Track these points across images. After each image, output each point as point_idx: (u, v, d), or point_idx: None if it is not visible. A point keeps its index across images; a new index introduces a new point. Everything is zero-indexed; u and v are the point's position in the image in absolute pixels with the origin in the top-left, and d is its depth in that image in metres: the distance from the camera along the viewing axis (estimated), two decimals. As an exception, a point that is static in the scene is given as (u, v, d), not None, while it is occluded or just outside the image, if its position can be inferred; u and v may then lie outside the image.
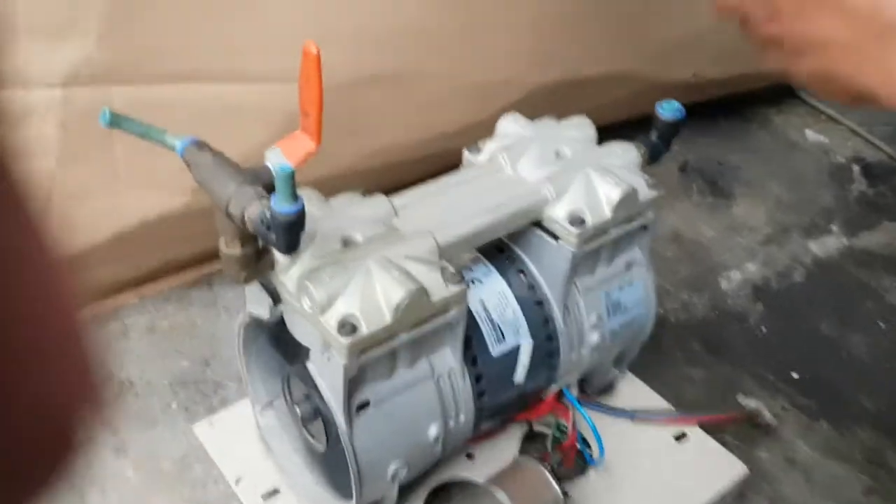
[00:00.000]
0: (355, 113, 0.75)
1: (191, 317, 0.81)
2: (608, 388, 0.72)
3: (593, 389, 0.70)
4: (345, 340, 0.46)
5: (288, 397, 0.59)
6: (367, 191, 0.56)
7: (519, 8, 0.80)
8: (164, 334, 0.79)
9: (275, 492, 0.63)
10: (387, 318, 0.48)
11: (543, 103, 0.74)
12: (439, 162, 0.69)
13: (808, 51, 0.41)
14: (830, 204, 1.08)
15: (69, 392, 0.17)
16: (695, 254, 0.97)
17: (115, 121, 0.46)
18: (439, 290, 0.50)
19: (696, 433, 0.70)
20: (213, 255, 0.81)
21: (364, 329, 0.47)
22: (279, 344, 0.57)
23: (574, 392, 0.67)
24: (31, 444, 0.16)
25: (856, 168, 1.15)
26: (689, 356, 0.83)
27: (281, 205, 0.40)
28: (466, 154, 0.62)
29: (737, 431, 0.75)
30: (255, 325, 0.58)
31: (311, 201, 0.53)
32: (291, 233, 0.42)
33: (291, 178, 0.40)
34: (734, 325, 0.88)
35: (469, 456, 0.65)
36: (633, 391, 0.73)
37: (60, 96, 0.63)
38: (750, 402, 0.77)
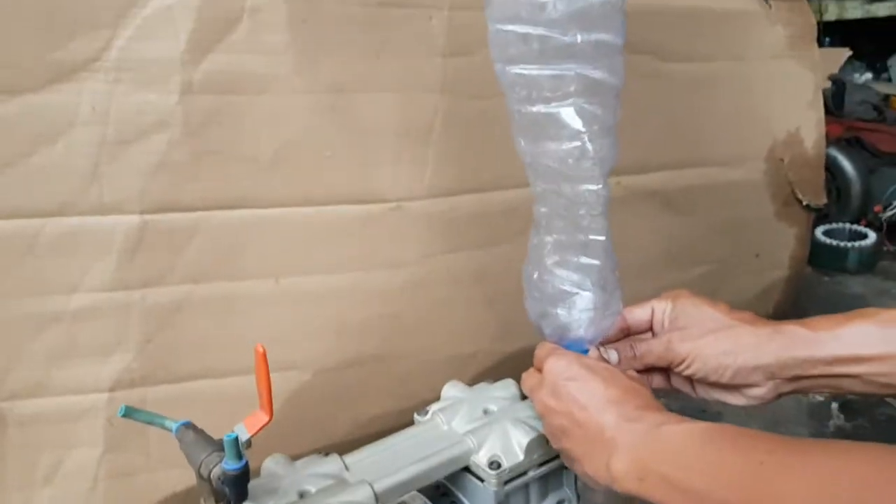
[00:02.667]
0: (344, 391, 0.93)
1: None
2: None
3: None
4: (292, 572, 0.60)
5: None
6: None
7: (475, 287, 1.00)
8: None
9: None
10: (324, 555, 0.61)
11: (510, 371, 0.90)
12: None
13: (566, 455, 0.65)
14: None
15: None
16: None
17: (128, 413, 0.65)
18: (370, 529, 0.63)
19: None
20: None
21: (307, 561, 0.60)
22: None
23: None
24: None
25: (834, 405, 1.24)
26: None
27: (228, 463, 0.57)
28: (416, 416, 0.78)
29: None
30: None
31: (279, 464, 0.68)
32: (238, 485, 0.58)
33: (236, 443, 0.56)
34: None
35: None
36: None
37: (107, 398, 0.83)
38: None
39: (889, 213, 1.82)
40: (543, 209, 0.69)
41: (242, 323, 0.86)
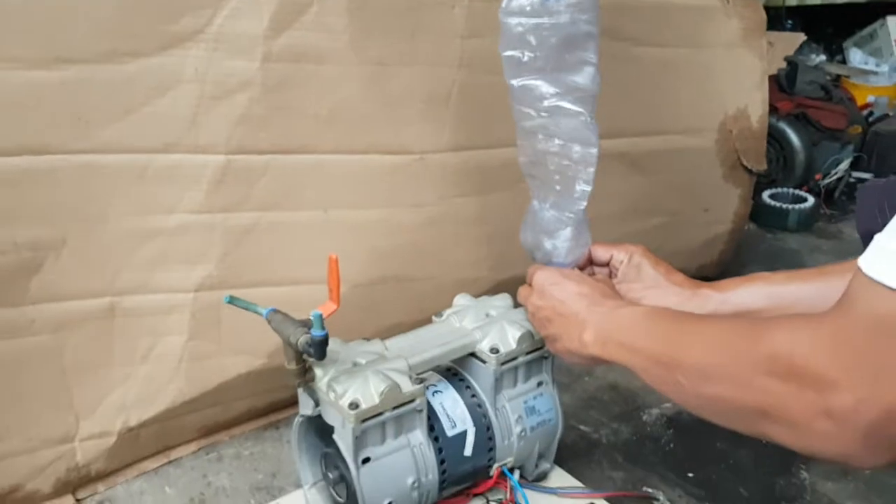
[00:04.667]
0: (372, 303, 1.17)
1: (264, 448, 1.19)
2: (542, 477, 1.06)
3: (530, 477, 1.04)
4: (352, 413, 0.84)
5: (324, 470, 0.96)
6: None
7: (479, 226, 1.24)
8: (246, 458, 1.16)
9: (316, 540, 0.97)
10: (376, 400, 0.86)
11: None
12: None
13: (550, 338, 0.87)
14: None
15: None
16: (627, 398, 1.32)
17: (232, 300, 0.89)
18: (407, 386, 0.88)
19: (602, 503, 1.03)
20: (278, 407, 1.21)
21: (363, 406, 0.85)
22: (319, 434, 0.95)
23: (515, 475, 1.01)
24: None
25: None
26: (612, 465, 1.16)
27: (315, 331, 0.81)
28: (433, 317, 1.03)
29: (643, 512, 1.07)
30: (305, 424, 0.95)
31: (336, 343, 0.93)
32: (321, 348, 0.82)
33: (320, 318, 0.81)
34: (650, 444, 1.21)
35: (444, 522, 0.99)
36: (560, 479, 1.07)
37: (192, 297, 1.06)
38: (650, 490, 1.09)
39: (827, 181, 2.09)
40: (535, 182, 0.93)
41: (298, 244, 1.10)
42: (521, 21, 0.84)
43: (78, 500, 1.06)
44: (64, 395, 1.02)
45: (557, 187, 0.91)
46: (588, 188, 0.91)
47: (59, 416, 1.02)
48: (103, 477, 1.09)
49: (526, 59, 0.85)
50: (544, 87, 0.86)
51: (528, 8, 0.84)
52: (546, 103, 0.86)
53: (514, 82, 0.86)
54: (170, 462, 1.14)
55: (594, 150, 0.89)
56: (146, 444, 1.10)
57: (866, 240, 0.55)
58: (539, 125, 0.88)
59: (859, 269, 0.54)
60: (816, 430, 0.55)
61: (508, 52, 0.85)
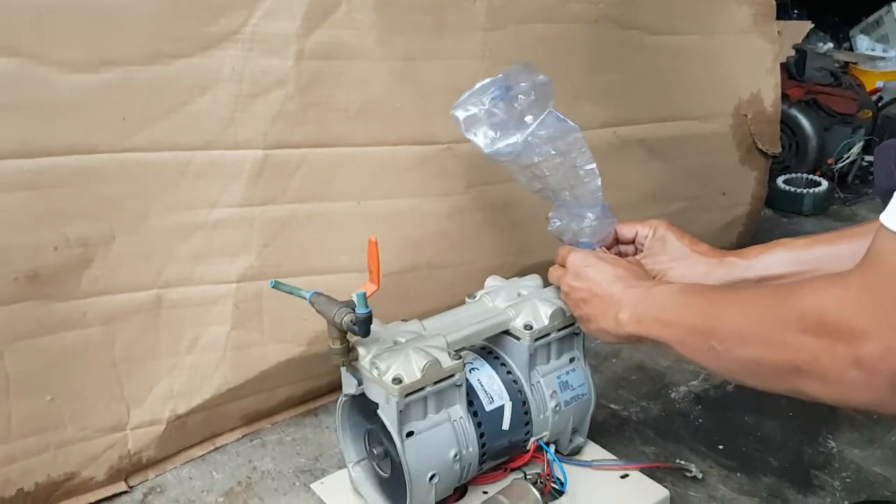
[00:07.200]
0: (403, 290, 1.21)
1: (305, 434, 1.23)
2: (576, 451, 1.09)
3: (565, 451, 1.08)
4: (396, 388, 0.88)
5: (368, 447, 1.00)
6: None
7: (506, 212, 1.28)
8: (288, 444, 1.20)
9: (362, 516, 1.01)
10: (418, 375, 0.90)
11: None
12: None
13: (584, 319, 0.91)
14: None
15: None
16: (654, 377, 1.36)
17: (276, 285, 0.93)
18: (446, 362, 0.92)
19: (636, 474, 1.06)
20: (316, 395, 1.25)
21: (406, 381, 0.89)
22: (362, 412, 0.99)
23: (551, 449, 1.05)
24: None
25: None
26: (644, 440, 1.19)
27: (360, 309, 0.85)
28: (467, 299, 1.07)
29: (674, 481, 1.09)
30: (349, 403, 0.99)
31: (376, 324, 0.96)
32: (365, 325, 0.86)
33: (363, 296, 0.85)
34: (679, 420, 1.25)
35: (485, 493, 1.02)
36: (594, 453, 1.10)
37: (235, 288, 1.11)
38: (683, 462, 1.13)
39: (840, 165, 2.12)
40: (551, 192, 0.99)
41: (332, 235, 1.14)
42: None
43: (130, 487, 1.10)
44: (115, 385, 1.06)
45: (568, 195, 0.96)
46: (598, 181, 0.95)
47: (112, 405, 1.06)
48: (153, 464, 1.13)
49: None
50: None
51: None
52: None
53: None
54: (216, 449, 1.18)
55: (579, 135, 0.93)
56: (193, 431, 1.15)
57: (884, 197, 0.58)
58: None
59: (882, 225, 0.57)
60: (848, 381, 0.58)
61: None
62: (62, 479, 1.04)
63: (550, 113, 0.92)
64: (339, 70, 1.08)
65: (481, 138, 0.96)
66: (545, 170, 0.95)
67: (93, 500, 1.07)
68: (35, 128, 0.94)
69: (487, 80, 0.96)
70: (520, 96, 0.94)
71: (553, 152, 0.93)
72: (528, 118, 0.93)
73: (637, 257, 0.99)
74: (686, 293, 0.81)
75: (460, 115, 0.96)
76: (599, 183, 0.96)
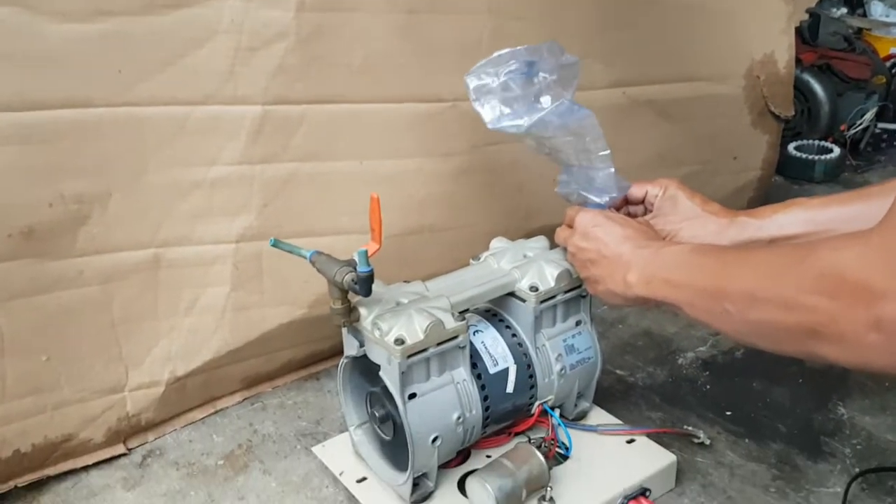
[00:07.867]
0: (405, 252, 1.19)
1: (306, 397, 1.21)
2: (582, 416, 1.08)
3: (570, 416, 1.06)
4: (398, 349, 0.86)
5: (369, 410, 0.98)
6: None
7: (511, 174, 1.25)
8: (290, 407, 1.19)
9: (364, 479, 0.99)
10: (421, 336, 0.87)
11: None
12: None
13: (592, 280, 0.89)
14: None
15: None
16: (660, 343, 1.33)
17: (276, 243, 0.90)
18: (450, 323, 0.89)
19: (642, 440, 1.04)
20: (317, 359, 1.23)
21: (409, 342, 0.87)
22: (364, 374, 0.97)
23: (556, 413, 1.03)
24: None
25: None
26: (650, 405, 1.17)
27: (361, 268, 0.82)
28: (471, 260, 1.04)
29: (681, 447, 1.08)
30: (350, 365, 0.97)
31: (378, 285, 0.94)
32: (366, 284, 0.84)
33: (365, 254, 0.82)
34: (686, 386, 1.23)
35: (488, 457, 1.01)
36: (600, 418, 1.08)
37: (234, 248, 1.08)
38: (690, 428, 1.11)
39: (853, 132, 2.08)
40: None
41: (334, 194, 1.12)
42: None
43: (129, 449, 1.09)
44: (113, 346, 1.04)
45: (576, 163, 0.93)
46: (611, 168, 0.93)
47: (110, 366, 1.05)
48: (153, 427, 1.12)
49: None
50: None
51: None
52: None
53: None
54: (216, 412, 1.17)
55: (594, 120, 0.90)
56: (193, 394, 1.13)
57: None
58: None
59: None
60: (867, 343, 0.55)
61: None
62: (59, 441, 1.03)
63: (563, 102, 0.88)
64: (340, 22, 1.04)
65: (488, 111, 0.91)
66: (556, 144, 0.92)
67: (91, 462, 1.06)
68: (28, 80, 0.91)
69: (507, 49, 0.90)
70: (541, 74, 0.90)
71: (564, 132, 0.90)
72: (545, 99, 0.89)
73: (647, 217, 0.97)
74: (697, 253, 0.78)
75: (472, 82, 0.91)
76: (613, 171, 0.94)
